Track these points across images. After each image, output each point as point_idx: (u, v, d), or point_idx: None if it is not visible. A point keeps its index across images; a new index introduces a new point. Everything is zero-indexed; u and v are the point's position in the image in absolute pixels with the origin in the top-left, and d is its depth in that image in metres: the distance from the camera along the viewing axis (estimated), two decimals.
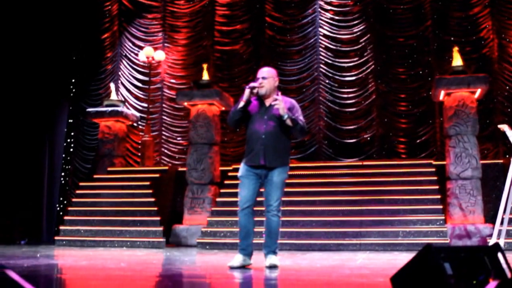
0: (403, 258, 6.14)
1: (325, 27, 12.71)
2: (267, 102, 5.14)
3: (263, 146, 5.02)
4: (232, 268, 4.99)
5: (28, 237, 10.03)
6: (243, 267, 5.03)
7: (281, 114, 4.97)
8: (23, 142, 10.24)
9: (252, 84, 5.10)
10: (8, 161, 10.03)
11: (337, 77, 12.46)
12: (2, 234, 9.48)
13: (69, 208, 10.44)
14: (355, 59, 12.47)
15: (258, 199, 5.16)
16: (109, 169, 11.29)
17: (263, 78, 5.11)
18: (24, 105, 10.29)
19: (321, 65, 12.56)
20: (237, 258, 5.06)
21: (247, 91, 5.05)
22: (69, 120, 13.06)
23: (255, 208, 5.13)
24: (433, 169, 9.79)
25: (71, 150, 13.18)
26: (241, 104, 5.07)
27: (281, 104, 4.95)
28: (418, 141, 11.87)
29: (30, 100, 10.40)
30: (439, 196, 9.08)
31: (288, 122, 4.99)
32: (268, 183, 5.08)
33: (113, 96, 12.33)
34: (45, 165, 10.72)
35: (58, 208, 12.08)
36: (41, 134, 10.72)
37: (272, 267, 4.95)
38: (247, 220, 5.08)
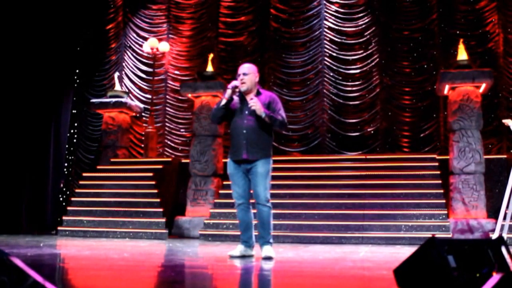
0: (405, 251, 6.14)
1: (330, 19, 12.66)
2: (248, 98, 5.22)
3: (245, 141, 5.15)
4: (232, 257, 5.14)
5: (33, 227, 10.05)
6: (243, 256, 5.16)
7: (258, 114, 5.07)
8: (29, 133, 10.26)
9: (233, 83, 5.18)
10: (15, 151, 10.04)
11: (341, 70, 12.42)
12: (8, 224, 9.50)
13: (72, 199, 10.47)
14: (359, 52, 12.43)
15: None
16: (112, 160, 11.30)
17: (244, 74, 5.22)
18: (30, 96, 10.31)
19: (326, 58, 12.53)
20: (238, 248, 5.24)
21: (229, 91, 5.15)
22: (73, 111, 13.05)
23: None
24: (437, 164, 9.77)
25: (75, 140, 13.19)
26: (223, 102, 5.17)
27: (257, 105, 5.04)
28: (421, 135, 11.84)
29: (36, 91, 10.41)
30: (442, 191, 9.06)
31: (266, 119, 5.10)
32: (253, 175, 5.18)
33: (117, 87, 12.34)
34: (50, 155, 10.74)
35: (61, 199, 12.09)
36: (47, 125, 10.74)
37: (267, 258, 5.01)
38: (244, 214, 5.28)
